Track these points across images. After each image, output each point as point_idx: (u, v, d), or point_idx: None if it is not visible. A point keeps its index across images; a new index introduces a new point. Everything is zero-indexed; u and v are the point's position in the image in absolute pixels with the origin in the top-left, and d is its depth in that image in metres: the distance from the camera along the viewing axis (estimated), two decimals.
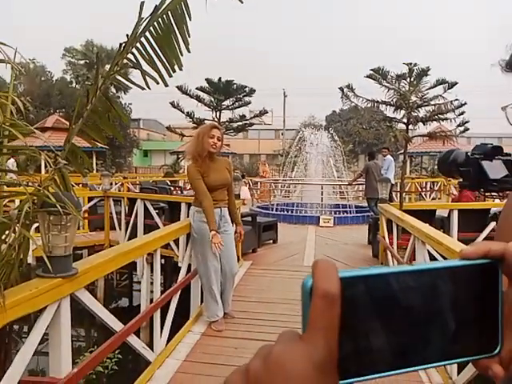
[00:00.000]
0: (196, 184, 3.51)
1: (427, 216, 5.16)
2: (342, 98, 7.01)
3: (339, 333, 0.26)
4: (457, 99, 6.71)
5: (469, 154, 0.76)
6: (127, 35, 1.91)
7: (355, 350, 0.27)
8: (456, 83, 6.68)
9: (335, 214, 10.86)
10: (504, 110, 0.66)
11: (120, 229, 7.26)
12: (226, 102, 13.56)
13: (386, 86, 6.56)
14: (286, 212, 11.12)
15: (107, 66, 2.28)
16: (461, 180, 0.80)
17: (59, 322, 1.92)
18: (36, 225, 2.18)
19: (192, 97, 13.03)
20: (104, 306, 2.46)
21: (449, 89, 6.61)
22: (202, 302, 4.03)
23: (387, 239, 5.40)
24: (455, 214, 5.59)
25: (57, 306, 1.90)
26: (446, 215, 5.92)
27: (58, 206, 1.61)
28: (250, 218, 7.00)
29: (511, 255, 0.30)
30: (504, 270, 0.30)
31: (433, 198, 15.49)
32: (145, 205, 6.45)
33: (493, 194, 0.77)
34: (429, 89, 6.66)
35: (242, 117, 14.17)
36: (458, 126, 7.20)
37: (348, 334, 0.26)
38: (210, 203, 3.44)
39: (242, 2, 2.30)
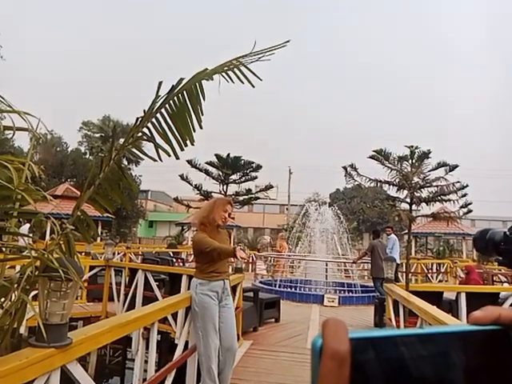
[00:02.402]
0: (206, 240, 3.40)
1: (434, 298, 5.00)
2: (345, 176, 7.19)
3: None
4: (458, 181, 6.87)
5: (507, 233, 0.79)
6: (144, 110, 2.05)
7: None
8: (457, 166, 6.88)
9: (340, 293, 10.55)
10: None
11: (118, 300, 7.06)
12: (234, 177, 13.98)
13: (388, 167, 6.75)
14: (289, 289, 10.82)
15: (121, 140, 2.41)
16: (499, 258, 0.82)
17: None
18: (34, 293, 2.14)
19: (201, 170, 13.47)
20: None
21: (450, 171, 6.80)
22: (197, 382, 3.79)
23: (394, 321, 5.18)
24: (463, 296, 5.42)
25: (45, 379, 1.79)
26: (454, 298, 5.74)
27: (60, 271, 1.60)
28: (251, 294, 6.81)
29: None
30: None
31: (439, 280, 15.11)
32: (145, 276, 6.34)
33: None
34: (430, 171, 6.84)
35: (248, 191, 14.50)
36: (461, 207, 7.28)
37: None
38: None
39: (253, 87, 2.47)
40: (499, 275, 11.49)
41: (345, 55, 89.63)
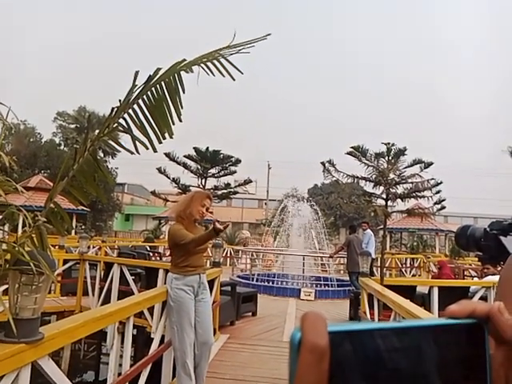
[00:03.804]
0: (181, 232, 3.36)
1: (408, 292, 5.12)
2: (323, 172, 7.26)
3: None
4: (433, 178, 7.03)
5: (487, 229, 0.81)
6: (120, 100, 2.00)
7: None
8: (431, 163, 7.04)
9: (316, 286, 10.69)
10: None
11: (93, 294, 6.94)
12: (212, 170, 13.86)
13: (365, 163, 6.85)
14: (266, 283, 10.89)
15: (97, 131, 2.35)
16: (479, 253, 0.84)
17: None
18: (4, 287, 2.08)
19: (179, 164, 13.31)
20: (67, 379, 2.28)
21: (425, 168, 6.95)
22: (173, 377, 3.77)
23: (368, 315, 5.28)
24: (435, 290, 5.58)
25: (15, 375, 1.74)
26: (427, 292, 5.89)
27: (31, 264, 1.56)
28: (229, 288, 6.81)
29: (496, 316, 0.29)
30: (490, 331, 0.29)
31: (413, 275, 15.49)
32: (121, 270, 6.25)
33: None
34: (406, 167, 6.98)
35: (227, 185, 14.42)
36: (435, 203, 7.46)
37: None
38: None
39: (234, 80, 2.44)
40: (470, 270, 11.86)
41: (332, 52, 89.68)
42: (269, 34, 2.10)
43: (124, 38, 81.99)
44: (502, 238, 0.77)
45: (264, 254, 13.72)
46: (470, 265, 12.43)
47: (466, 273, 11.54)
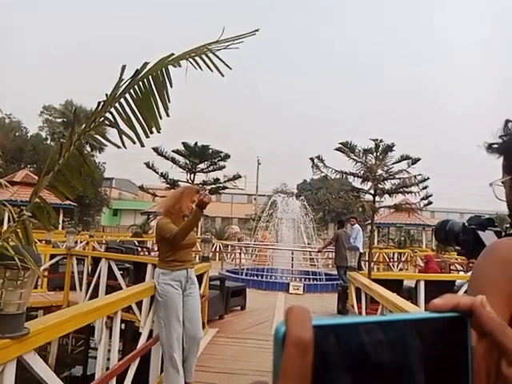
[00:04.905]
0: (168, 226, 3.37)
1: (395, 286, 5.19)
2: (312, 167, 7.28)
3: None
4: (420, 174, 7.11)
5: (466, 224, 0.81)
6: (106, 94, 1.99)
7: None
8: (419, 159, 7.11)
9: (305, 280, 10.76)
10: (491, 185, 0.73)
11: (81, 289, 6.90)
12: (201, 166, 13.81)
13: (353, 159, 6.89)
14: (255, 277, 10.93)
15: (84, 125, 2.32)
16: (458, 247, 0.84)
17: None
18: None
19: (167, 159, 13.23)
20: (55, 374, 2.27)
21: (412, 164, 7.02)
22: (161, 371, 3.78)
23: (356, 308, 5.35)
24: (422, 284, 5.66)
25: (0, 370, 1.74)
26: (413, 285, 5.98)
27: (16, 259, 1.55)
28: (218, 282, 6.82)
29: (478, 309, 0.30)
30: (472, 324, 0.30)
31: (400, 269, 15.69)
32: (109, 265, 6.21)
33: None
34: (394, 163, 7.03)
35: (216, 180, 14.39)
36: (422, 199, 7.55)
37: None
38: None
39: (222, 76, 2.43)
40: (456, 264, 12.06)
41: (319, 43, 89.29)
42: (257, 30, 2.10)
43: (114, 36, 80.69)
44: (479, 232, 0.79)
45: (255, 249, 13.74)
46: (456, 259, 12.63)
47: (452, 267, 11.73)
